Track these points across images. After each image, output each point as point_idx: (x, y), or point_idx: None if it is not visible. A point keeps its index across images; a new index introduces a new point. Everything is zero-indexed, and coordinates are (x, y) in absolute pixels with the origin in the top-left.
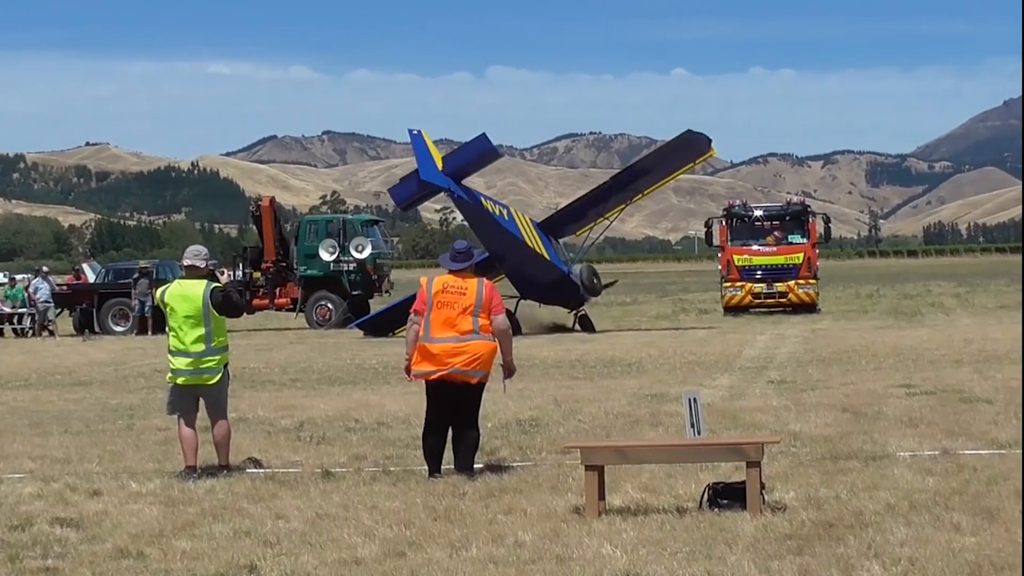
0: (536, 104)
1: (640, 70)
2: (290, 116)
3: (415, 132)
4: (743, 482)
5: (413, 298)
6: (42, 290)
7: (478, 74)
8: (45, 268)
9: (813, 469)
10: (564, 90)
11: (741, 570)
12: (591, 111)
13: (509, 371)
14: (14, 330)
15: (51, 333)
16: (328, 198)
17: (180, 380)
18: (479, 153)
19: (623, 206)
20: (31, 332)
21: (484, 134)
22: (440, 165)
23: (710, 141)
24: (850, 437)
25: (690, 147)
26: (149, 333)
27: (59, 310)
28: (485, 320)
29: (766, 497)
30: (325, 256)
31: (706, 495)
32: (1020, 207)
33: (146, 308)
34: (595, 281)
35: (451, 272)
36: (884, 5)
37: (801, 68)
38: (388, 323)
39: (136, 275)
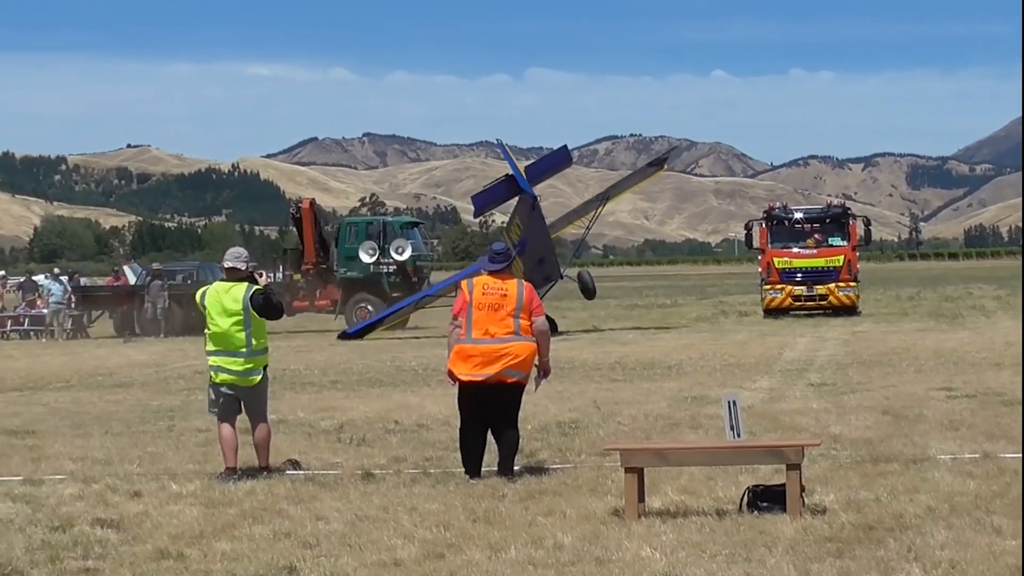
0: (575, 106)
1: (679, 72)
2: (330, 118)
3: (498, 142)
4: (783, 485)
5: (399, 310)
6: (54, 292)
7: (517, 76)
8: (56, 270)
9: (853, 472)
10: (603, 92)
11: (781, 573)
12: (631, 113)
13: (545, 372)
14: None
15: (52, 334)
16: (367, 200)
17: (220, 382)
18: (558, 163)
19: (596, 211)
20: (68, 333)
21: (566, 146)
22: (524, 174)
23: (666, 160)
24: (890, 440)
25: (652, 165)
26: (162, 335)
27: (88, 312)
28: (526, 321)
29: (806, 500)
30: (365, 258)
31: (746, 498)
32: (1022, 209)
33: (159, 310)
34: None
35: (490, 273)
36: (924, 6)
37: (841, 70)
38: (372, 329)
39: (149, 278)
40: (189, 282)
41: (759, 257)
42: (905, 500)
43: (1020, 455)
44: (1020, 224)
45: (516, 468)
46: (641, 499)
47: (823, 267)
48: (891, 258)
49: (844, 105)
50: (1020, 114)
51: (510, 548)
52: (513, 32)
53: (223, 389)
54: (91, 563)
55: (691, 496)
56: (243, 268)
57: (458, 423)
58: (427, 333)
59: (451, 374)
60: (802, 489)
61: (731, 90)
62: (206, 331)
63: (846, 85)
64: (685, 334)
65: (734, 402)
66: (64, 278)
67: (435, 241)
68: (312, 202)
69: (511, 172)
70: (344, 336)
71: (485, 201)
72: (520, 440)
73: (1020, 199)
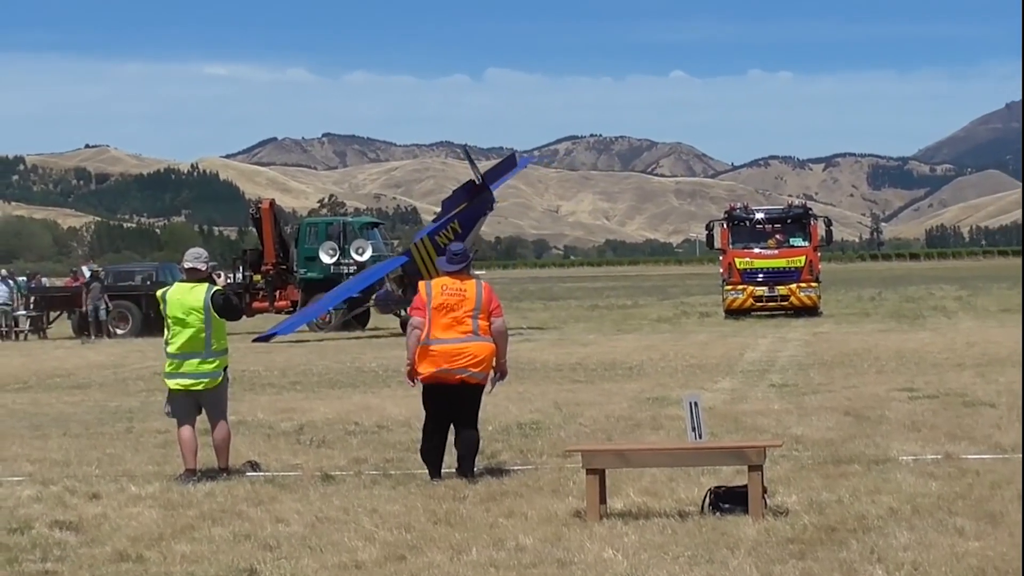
0: (535, 106)
1: (638, 72)
2: (289, 118)
3: (464, 149)
4: (745, 486)
5: (321, 311)
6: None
7: (476, 76)
8: (3, 272)
9: (815, 473)
10: (563, 92)
11: (743, 574)
12: (591, 113)
13: (502, 373)
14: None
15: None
16: (327, 200)
17: (179, 383)
18: (511, 168)
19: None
20: (24, 334)
21: (514, 153)
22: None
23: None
24: (852, 441)
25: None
26: (106, 337)
27: (46, 313)
28: (484, 322)
29: (768, 501)
30: (325, 259)
31: (708, 499)
32: (1022, 210)
33: (100, 312)
34: None
35: (448, 274)
36: (884, 7)
37: (800, 70)
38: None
39: (89, 279)
40: (148, 283)
41: (720, 258)
42: (867, 501)
43: (1017, 456)
44: (981, 225)
45: (477, 469)
46: (603, 500)
47: (784, 268)
48: (852, 258)
49: (804, 105)
50: (979, 115)
51: (471, 550)
52: (472, 32)
53: (182, 390)
54: (50, 565)
55: (653, 497)
56: (203, 269)
57: (421, 424)
58: (387, 334)
59: (411, 375)
60: (764, 490)
61: (691, 90)
62: (165, 332)
63: (805, 85)
64: (646, 335)
65: (695, 403)
66: (21, 279)
67: (395, 242)
68: (272, 202)
69: (473, 177)
70: (262, 339)
71: (451, 206)
72: (480, 441)
73: (981, 199)
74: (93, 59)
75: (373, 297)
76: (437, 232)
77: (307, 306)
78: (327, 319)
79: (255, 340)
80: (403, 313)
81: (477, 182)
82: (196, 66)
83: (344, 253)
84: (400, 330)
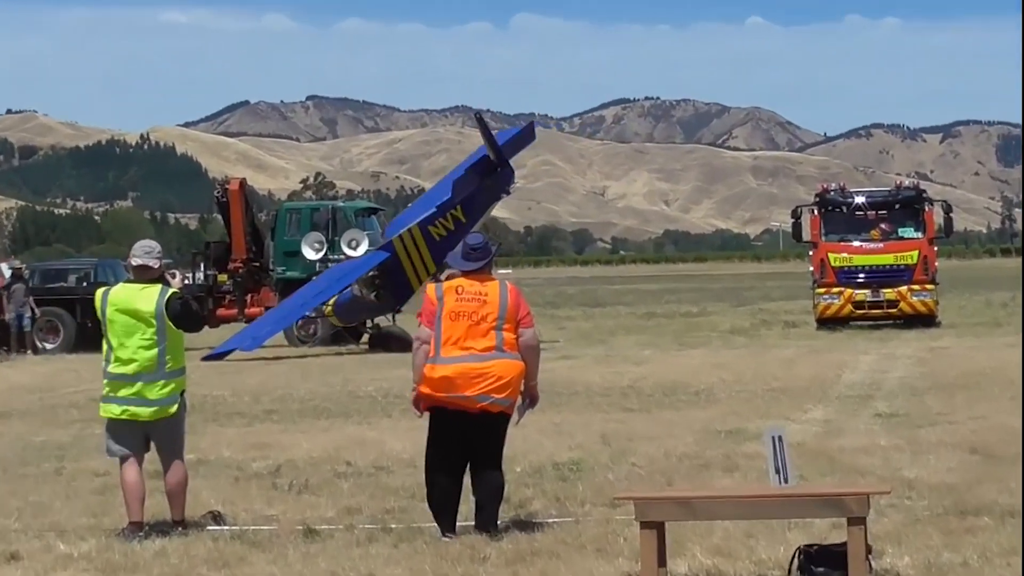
0: (575, 63)
1: (706, 19)
2: (266, 77)
3: (477, 115)
4: (844, 544)
5: (288, 319)
6: None
7: (500, 24)
8: None
9: (933, 527)
10: (610, 45)
11: None
12: (645, 72)
13: (532, 399)
14: None
15: None
16: (311, 181)
17: (121, 412)
18: (528, 141)
19: None
20: None
21: (533, 123)
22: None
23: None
24: (980, 486)
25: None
26: (29, 352)
27: None
28: (510, 334)
29: (873, 563)
30: (309, 254)
31: (796, 560)
32: (1022, 209)
33: (24, 321)
34: None
35: (464, 274)
36: None
37: (910, 17)
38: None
39: (10, 280)
40: (85, 285)
41: (810, 253)
42: (1000, 564)
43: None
44: None
45: (501, 522)
46: (662, 562)
47: (892, 265)
48: (978, 254)
49: (916, 61)
50: None
51: None
52: None
53: (126, 421)
54: None
55: (726, 559)
56: (155, 266)
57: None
58: (388, 349)
59: (417, 402)
60: (868, 550)
61: (772, 42)
62: (105, 346)
63: (918, 35)
64: (716, 351)
65: (780, 438)
66: None
67: None
68: (242, 183)
69: (488, 152)
70: (214, 356)
71: (462, 187)
72: (505, 486)
73: None
74: (19, 5)
75: (332, 304)
76: (432, 221)
77: (271, 311)
78: (311, 330)
79: (205, 358)
80: (369, 324)
81: (492, 158)
82: (149, 12)
83: (333, 247)
84: (368, 347)
